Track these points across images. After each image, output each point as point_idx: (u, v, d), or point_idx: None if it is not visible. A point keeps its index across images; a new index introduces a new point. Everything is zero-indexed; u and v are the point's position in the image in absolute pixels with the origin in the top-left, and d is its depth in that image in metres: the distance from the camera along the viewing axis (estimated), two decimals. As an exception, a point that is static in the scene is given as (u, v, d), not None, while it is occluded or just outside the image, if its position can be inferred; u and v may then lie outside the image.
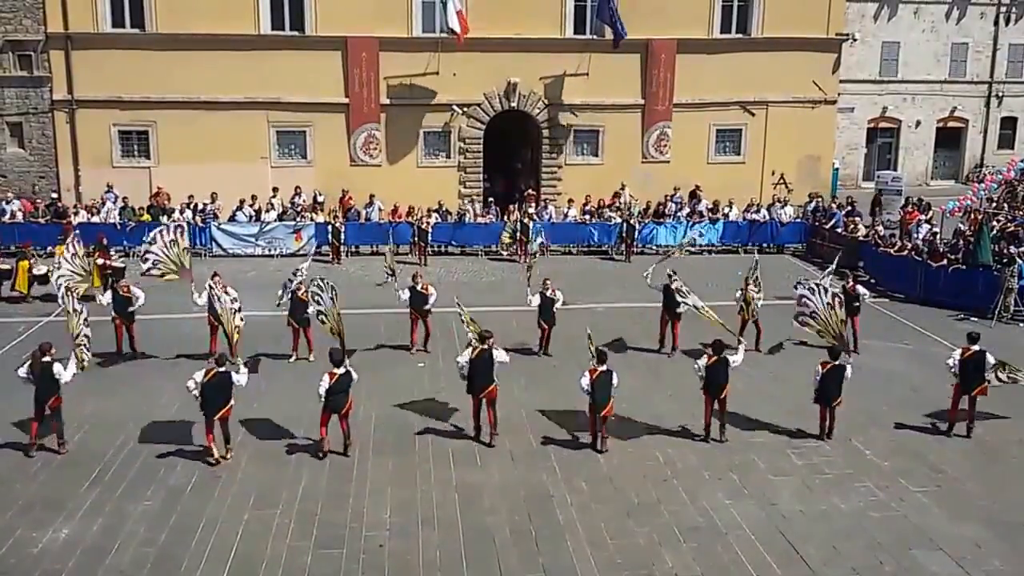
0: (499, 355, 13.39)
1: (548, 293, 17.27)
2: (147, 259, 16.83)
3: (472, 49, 27.45)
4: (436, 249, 26.08)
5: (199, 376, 12.46)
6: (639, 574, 10.29)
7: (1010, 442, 13.92)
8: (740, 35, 29.64)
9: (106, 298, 16.73)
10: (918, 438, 14.00)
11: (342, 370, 12.64)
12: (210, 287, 15.92)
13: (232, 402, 12.66)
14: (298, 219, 26.04)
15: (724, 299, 18.56)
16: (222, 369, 12.55)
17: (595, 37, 28.76)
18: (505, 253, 25.57)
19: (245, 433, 13.65)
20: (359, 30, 27.55)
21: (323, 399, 12.58)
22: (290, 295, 16.72)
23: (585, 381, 13.01)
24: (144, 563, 10.27)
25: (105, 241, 21.52)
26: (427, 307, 17.15)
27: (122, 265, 21.38)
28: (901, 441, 13.86)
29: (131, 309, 16.61)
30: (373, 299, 20.04)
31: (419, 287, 17.16)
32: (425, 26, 28.19)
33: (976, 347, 13.97)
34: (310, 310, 15.94)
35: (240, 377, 12.80)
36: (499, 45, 27.65)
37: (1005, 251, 21.29)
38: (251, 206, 25.99)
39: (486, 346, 13.22)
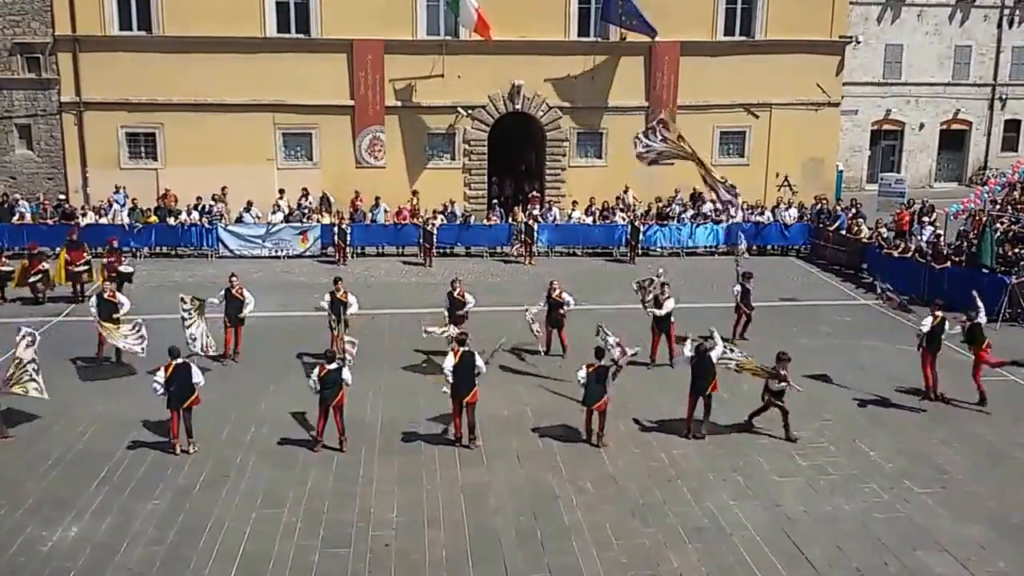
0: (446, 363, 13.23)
1: (555, 295, 17.13)
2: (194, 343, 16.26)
3: (476, 52, 27.57)
4: (442, 251, 26.17)
5: (160, 375, 12.83)
6: (644, 574, 10.34)
7: (1015, 444, 13.93)
8: (744, 38, 29.70)
9: (91, 303, 16.34)
10: (922, 439, 14.03)
11: (333, 365, 12.95)
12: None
13: (195, 394, 12.93)
14: (304, 220, 26.15)
15: (727, 301, 18.64)
16: (179, 362, 12.91)
17: (599, 40, 28.83)
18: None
19: (253, 433, 13.76)
20: (364, 33, 27.67)
21: (315, 390, 12.92)
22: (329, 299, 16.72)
23: (582, 373, 13.16)
24: (152, 562, 10.35)
25: (116, 244, 21.64)
26: (462, 312, 16.92)
27: (130, 270, 21.21)
28: (905, 442, 13.88)
29: (116, 316, 16.29)
30: (378, 300, 20.10)
31: (456, 293, 17.05)
32: (430, 29, 28.31)
33: (940, 313, 15.11)
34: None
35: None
36: (503, 48, 27.72)
37: (1011, 253, 21.28)
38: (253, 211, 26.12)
39: (467, 348, 13.24)
